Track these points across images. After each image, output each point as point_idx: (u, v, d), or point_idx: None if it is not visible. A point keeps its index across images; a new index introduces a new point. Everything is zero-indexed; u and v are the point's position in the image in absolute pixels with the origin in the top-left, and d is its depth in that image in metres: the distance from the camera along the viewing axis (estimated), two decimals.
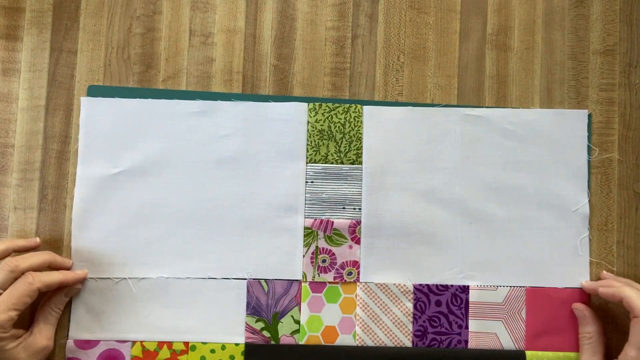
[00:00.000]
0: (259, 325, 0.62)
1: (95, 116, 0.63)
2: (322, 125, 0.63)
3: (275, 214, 0.63)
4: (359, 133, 0.63)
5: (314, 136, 0.63)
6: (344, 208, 0.63)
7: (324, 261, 0.62)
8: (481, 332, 0.62)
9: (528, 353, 0.62)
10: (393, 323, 0.62)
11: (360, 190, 0.63)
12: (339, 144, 0.63)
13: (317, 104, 0.63)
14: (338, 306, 0.62)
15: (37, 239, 0.61)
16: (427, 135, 0.63)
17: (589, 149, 0.64)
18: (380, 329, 0.62)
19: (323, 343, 0.62)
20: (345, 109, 0.63)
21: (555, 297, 0.62)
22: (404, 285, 0.62)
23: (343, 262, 0.62)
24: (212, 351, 0.61)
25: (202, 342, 0.62)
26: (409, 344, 0.62)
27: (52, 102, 0.63)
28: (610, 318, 0.62)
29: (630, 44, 0.65)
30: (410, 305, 0.62)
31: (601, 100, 0.65)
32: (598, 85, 0.65)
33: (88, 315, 0.61)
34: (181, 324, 0.62)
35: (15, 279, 0.55)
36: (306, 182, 0.63)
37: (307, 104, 0.63)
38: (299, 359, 0.61)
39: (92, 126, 0.63)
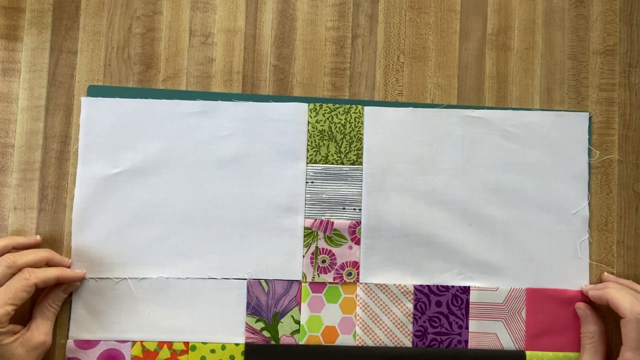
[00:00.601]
0: (259, 325, 0.62)
1: (96, 116, 0.63)
2: (322, 125, 0.63)
3: (275, 214, 0.63)
4: (360, 134, 0.63)
5: (314, 136, 0.63)
6: (344, 208, 0.63)
7: (323, 261, 0.62)
8: (481, 332, 0.62)
9: (528, 353, 0.62)
10: (393, 323, 0.62)
11: (360, 190, 0.63)
12: (340, 145, 0.63)
13: (317, 104, 0.63)
14: (338, 306, 0.62)
15: (38, 237, 0.61)
16: (427, 136, 0.63)
17: (590, 152, 0.64)
18: (381, 329, 0.62)
19: (323, 343, 0.62)
20: (346, 110, 0.63)
21: (555, 298, 0.63)
22: (404, 285, 0.62)
23: (343, 263, 0.62)
24: (212, 351, 0.61)
25: (202, 342, 0.62)
26: (409, 344, 0.62)
27: (52, 102, 0.63)
28: (612, 318, 0.62)
29: (630, 44, 0.65)
30: (410, 306, 0.62)
31: (601, 101, 0.65)
32: (598, 85, 0.65)
33: (88, 315, 0.61)
34: (181, 324, 0.62)
35: (13, 274, 0.55)
36: (306, 182, 0.63)
37: (307, 104, 0.63)
38: (299, 359, 0.61)
39: (92, 126, 0.63)
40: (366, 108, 0.63)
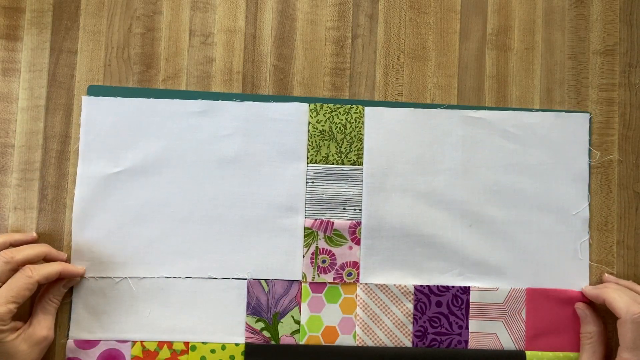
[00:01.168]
0: (259, 325, 0.62)
1: (96, 115, 0.63)
2: (323, 125, 0.63)
3: (275, 214, 0.63)
4: (360, 134, 0.63)
5: (315, 137, 0.63)
6: (344, 209, 0.63)
7: (323, 262, 0.62)
8: (481, 332, 0.62)
9: (528, 353, 0.62)
10: (393, 323, 0.62)
11: (360, 191, 0.63)
12: (340, 145, 0.63)
13: (318, 104, 0.63)
14: (338, 306, 0.62)
15: (34, 234, 0.61)
16: (428, 136, 0.63)
17: (590, 152, 0.64)
18: (381, 329, 0.62)
19: (323, 343, 0.62)
20: (347, 110, 0.63)
21: (555, 298, 0.63)
22: (405, 286, 0.62)
23: (343, 263, 0.62)
24: (213, 351, 0.61)
25: (203, 342, 0.62)
26: (409, 345, 0.62)
27: (52, 102, 0.63)
28: (612, 318, 0.62)
29: (630, 44, 0.65)
30: (410, 306, 0.62)
31: (601, 100, 0.65)
32: (598, 85, 0.65)
33: (88, 315, 0.61)
34: (181, 324, 0.62)
35: (11, 270, 0.55)
36: (307, 182, 0.63)
37: (308, 104, 0.63)
38: (299, 359, 0.61)
39: (93, 125, 0.63)
40: (367, 108, 0.63)
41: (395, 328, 0.62)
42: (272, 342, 0.62)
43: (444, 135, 0.63)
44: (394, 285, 0.62)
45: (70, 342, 0.61)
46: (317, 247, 0.62)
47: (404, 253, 0.63)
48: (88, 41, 0.64)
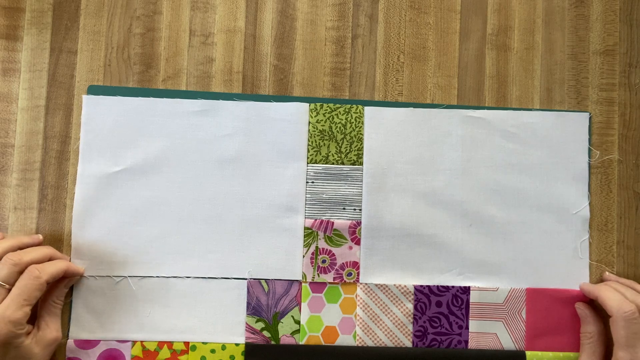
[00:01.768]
0: (259, 325, 0.62)
1: (97, 114, 0.63)
2: (323, 125, 0.63)
3: (275, 214, 0.63)
4: (360, 134, 0.63)
5: (315, 136, 0.63)
6: (344, 209, 0.63)
7: (323, 261, 0.62)
8: (481, 332, 0.62)
9: (528, 353, 0.62)
10: (393, 323, 0.62)
11: (360, 191, 0.63)
12: (340, 145, 0.63)
13: (318, 104, 0.63)
14: (338, 306, 0.62)
15: (40, 236, 0.61)
16: (428, 136, 0.63)
17: (590, 152, 0.64)
18: (381, 329, 0.62)
19: (323, 343, 0.62)
20: (347, 110, 0.63)
21: (555, 298, 0.63)
22: (405, 286, 0.62)
23: (343, 263, 0.62)
24: (213, 351, 0.61)
25: (203, 342, 0.62)
26: (409, 344, 0.62)
27: (52, 102, 0.63)
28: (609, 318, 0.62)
29: (630, 44, 0.65)
30: (410, 306, 0.62)
31: (601, 100, 0.65)
32: (598, 85, 0.65)
33: (88, 315, 0.61)
34: (181, 323, 0.62)
35: (19, 272, 0.55)
36: (307, 182, 0.63)
37: (308, 104, 0.63)
38: (299, 359, 0.61)
39: (93, 124, 0.63)
40: (366, 108, 0.63)
41: (395, 328, 0.62)
42: (272, 342, 0.62)
43: (443, 135, 0.63)
44: (394, 285, 0.62)
45: (70, 342, 0.61)
46: (317, 247, 0.62)
47: (404, 253, 0.63)
48: (88, 41, 0.64)
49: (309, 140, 0.63)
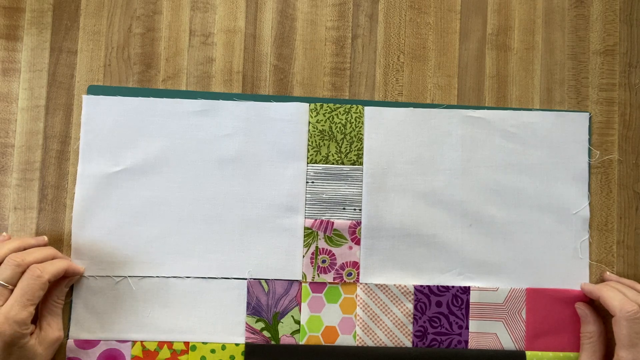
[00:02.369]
0: (259, 325, 0.62)
1: (97, 114, 0.63)
2: (323, 125, 0.63)
3: (275, 214, 0.63)
4: (360, 134, 0.63)
5: (315, 136, 0.63)
6: (344, 209, 0.63)
7: (323, 261, 0.62)
8: (481, 332, 0.62)
9: (528, 353, 0.62)
10: (393, 323, 0.62)
11: (360, 191, 0.63)
12: (340, 145, 0.63)
13: (318, 104, 0.63)
14: (338, 306, 0.62)
15: (45, 238, 0.61)
16: (428, 136, 0.63)
17: (590, 152, 0.64)
18: (381, 329, 0.62)
19: (323, 343, 0.62)
20: (347, 110, 0.63)
21: (555, 298, 0.63)
22: (405, 286, 0.62)
23: (343, 263, 0.62)
24: (213, 351, 0.61)
25: (203, 342, 0.62)
26: (409, 345, 0.62)
27: (52, 102, 0.63)
28: (612, 318, 0.62)
29: (630, 44, 0.65)
30: (410, 306, 0.62)
31: (601, 100, 0.65)
32: (598, 85, 0.65)
33: (88, 315, 0.61)
34: (181, 323, 0.62)
35: (22, 273, 0.55)
36: (307, 182, 0.63)
37: (308, 104, 0.63)
38: (299, 359, 0.61)
39: (93, 124, 0.63)
40: (366, 108, 0.63)
41: (395, 328, 0.62)
42: (272, 342, 0.62)
43: (443, 135, 0.63)
44: (394, 285, 0.62)
45: (70, 342, 0.61)
46: (317, 247, 0.62)
47: (404, 253, 0.63)
48: (88, 41, 0.64)
49: (309, 140, 0.63)
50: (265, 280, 0.62)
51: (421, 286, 0.63)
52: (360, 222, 0.63)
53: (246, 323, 0.62)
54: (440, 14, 0.65)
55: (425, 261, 0.63)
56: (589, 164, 0.64)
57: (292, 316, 0.62)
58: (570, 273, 0.63)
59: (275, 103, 0.63)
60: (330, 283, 0.62)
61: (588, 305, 0.62)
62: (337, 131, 0.63)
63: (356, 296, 0.62)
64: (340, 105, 0.63)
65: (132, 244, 0.62)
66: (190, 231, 0.62)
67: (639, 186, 0.64)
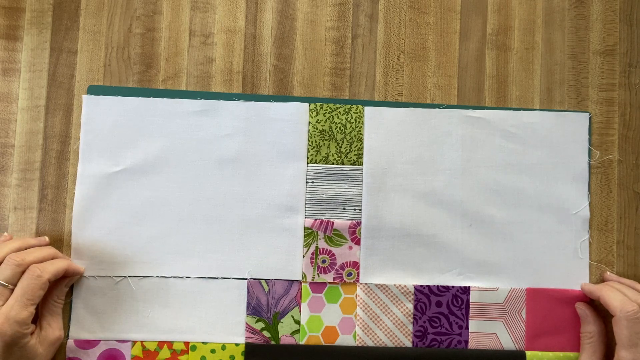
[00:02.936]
0: (259, 325, 0.62)
1: (97, 114, 0.63)
2: (323, 125, 0.63)
3: (275, 214, 0.63)
4: (360, 134, 0.63)
5: (315, 136, 0.63)
6: (344, 209, 0.63)
7: (323, 261, 0.62)
8: (481, 332, 0.62)
9: (528, 353, 0.62)
10: (393, 323, 0.62)
11: (360, 191, 0.63)
12: (340, 145, 0.63)
13: (318, 104, 0.63)
14: (338, 306, 0.62)
15: (46, 238, 0.61)
16: (428, 136, 0.63)
17: (590, 152, 0.64)
18: (381, 329, 0.62)
19: (323, 343, 0.62)
20: (347, 110, 0.63)
21: (555, 298, 0.63)
22: (405, 286, 0.62)
23: (343, 263, 0.62)
24: (213, 351, 0.61)
25: (203, 342, 0.62)
26: (409, 344, 0.62)
27: (52, 102, 0.63)
28: (612, 318, 0.62)
29: (630, 44, 0.65)
30: (410, 306, 0.62)
31: (601, 100, 0.65)
32: (598, 85, 0.65)
33: (88, 315, 0.61)
34: (181, 323, 0.62)
35: (22, 273, 0.55)
36: (307, 182, 0.63)
37: (308, 104, 0.63)
38: (299, 359, 0.61)
39: (93, 124, 0.63)
40: (366, 108, 0.63)
41: (395, 328, 0.62)
42: (272, 342, 0.62)
43: (443, 135, 0.63)
44: (394, 285, 0.62)
45: (70, 342, 0.61)
46: (317, 247, 0.62)
47: (404, 253, 0.63)
48: (88, 41, 0.64)
49: (309, 140, 0.63)
50: (265, 280, 0.62)
51: (421, 286, 0.63)
52: (360, 222, 0.63)
53: (246, 323, 0.62)
54: (440, 14, 0.65)
55: (425, 261, 0.63)
56: (589, 164, 0.64)
57: (292, 316, 0.62)
58: (570, 273, 0.63)
59: (275, 103, 0.63)
60: (330, 283, 0.62)
61: (588, 305, 0.62)
62: (337, 131, 0.63)
63: (356, 296, 0.62)
64: (340, 105, 0.63)
65: (132, 244, 0.62)
66: (190, 231, 0.62)
67: (639, 186, 0.64)
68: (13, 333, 0.53)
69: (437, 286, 0.63)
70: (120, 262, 0.62)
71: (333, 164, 0.63)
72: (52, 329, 0.59)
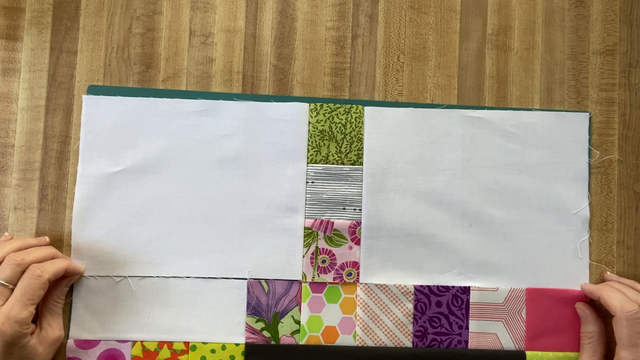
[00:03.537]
0: (259, 325, 0.62)
1: (97, 114, 0.63)
2: (323, 125, 0.63)
3: (275, 214, 0.63)
4: (360, 134, 0.63)
5: (315, 136, 0.63)
6: (344, 209, 0.63)
7: (323, 261, 0.62)
8: (481, 332, 0.62)
9: (528, 353, 0.62)
10: (393, 323, 0.62)
11: (360, 191, 0.63)
12: (340, 145, 0.63)
13: (318, 104, 0.63)
14: (338, 306, 0.62)
15: (47, 238, 0.61)
16: (428, 136, 0.63)
17: (590, 152, 0.64)
18: (381, 330, 0.62)
19: (323, 343, 0.62)
20: (347, 110, 0.63)
21: (555, 298, 0.63)
22: (405, 286, 0.62)
23: (343, 263, 0.62)
24: (213, 351, 0.61)
25: (203, 342, 0.62)
26: (409, 345, 0.62)
27: (52, 102, 0.63)
28: (612, 318, 0.62)
29: (630, 44, 0.65)
30: (410, 306, 0.62)
31: (601, 100, 0.65)
32: (598, 85, 0.65)
33: (88, 315, 0.61)
34: (181, 323, 0.62)
35: (22, 272, 0.55)
36: (307, 182, 0.63)
37: (308, 104, 0.63)
38: (299, 359, 0.61)
39: (93, 124, 0.63)
40: (366, 108, 0.63)
41: (395, 328, 0.62)
42: (272, 342, 0.62)
43: (443, 135, 0.63)
44: (394, 285, 0.62)
45: (70, 342, 0.61)
46: (317, 247, 0.62)
47: (404, 253, 0.63)
48: (88, 41, 0.64)
49: (309, 140, 0.63)
50: (265, 280, 0.62)
51: (421, 286, 0.63)
52: (360, 222, 0.63)
53: (246, 323, 0.62)
54: (440, 14, 0.65)
55: (425, 261, 0.63)
56: (589, 164, 0.64)
57: (292, 316, 0.62)
58: (570, 273, 0.63)
59: (275, 103, 0.63)
60: (330, 283, 0.62)
61: (588, 305, 0.62)
62: (337, 131, 0.63)
63: (356, 296, 0.62)
64: (340, 105, 0.63)
65: (132, 244, 0.62)
66: (190, 231, 0.62)
67: (639, 186, 0.64)
68: (13, 333, 0.53)
69: (437, 286, 0.63)
70: (120, 262, 0.62)
71: (333, 164, 0.63)
72: (52, 328, 0.59)
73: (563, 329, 0.62)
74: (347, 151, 0.63)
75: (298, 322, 0.62)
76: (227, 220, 0.63)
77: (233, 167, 0.63)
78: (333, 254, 0.62)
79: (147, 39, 0.64)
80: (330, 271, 0.62)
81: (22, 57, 0.63)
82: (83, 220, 0.62)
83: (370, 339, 0.62)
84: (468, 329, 0.62)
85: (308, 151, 0.63)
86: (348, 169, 0.63)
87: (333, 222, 0.62)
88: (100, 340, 0.61)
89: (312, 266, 0.62)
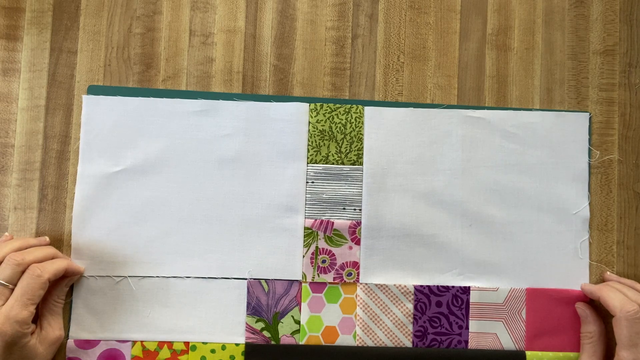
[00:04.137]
0: (259, 325, 0.62)
1: (97, 114, 0.63)
2: (323, 125, 0.63)
3: (275, 214, 0.63)
4: (360, 134, 0.63)
5: (315, 136, 0.63)
6: (344, 209, 0.63)
7: (323, 262, 0.62)
8: (481, 332, 0.62)
9: (528, 353, 0.62)
10: (393, 323, 0.62)
11: (360, 191, 0.63)
12: (340, 145, 0.63)
13: (318, 104, 0.63)
14: (338, 306, 0.62)
15: (47, 238, 0.61)
16: (428, 136, 0.63)
17: (590, 152, 0.64)
18: (381, 330, 0.62)
19: (323, 343, 0.62)
20: (347, 110, 0.63)
21: (555, 298, 0.63)
22: (405, 286, 0.62)
23: (343, 263, 0.62)
24: (213, 351, 0.61)
25: (203, 342, 0.62)
26: (409, 345, 0.62)
27: (52, 102, 0.63)
28: (612, 318, 0.62)
29: (630, 44, 0.65)
30: (410, 306, 0.62)
31: (601, 100, 0.65)
32: (598, 85, 0.65)
33: (88, 315, 0.61)
34: (181, 323, 0.62)
35: (22, 272, 0.55)
36: (307, 182, 0.63)
37: (308, 104, 0.63)
38: (299, 359, 0.61)
39: (93, 124, 0.63)
40: (366, 108, 0.63)
41: (395, 328, 0.62)
42: (272, 342, 0.62)
43: (443, 135, 0.63)
44: (394, 285, 0.62)
45: (70, 342, 0.61)
46: (317, 247, 0.62)
47: (404, 253, 0.63)
48: (88, 41, 0.64)
49: (309, 140, 0.63)
50: (265, 280, 0.62)
51: (421, 286, 0.63)
52: (360, 222, 0.63)
53: (246, 323, 0.62)
54: (440, 14, 0.65)
55: (425, 261, 0.63)
56: (589, 164, 0.64)
57: (292, 316, 0.62)
58: (570, 273, 0.63)
59: (275, 103, 0.63)
60: (330, 283, 0.62)
61: (588, 305, 0.62)
62: (337, 131, 0.63)
63: (356, 296, 0.62)
64: (340, 105, 0.63)
65: (132, 244, 0.62)
66: (190, 231, 0.62)
67: (639, 186, 0.64)
68: (13, 333, 0.53)
69: (437, 286, 0.63)
70: (120, 262, 0.62)
71: (333, 164, 0.63)
72: (53, 328, 0.59)
73: (563, 329, 0.62)
74: (347, 151, 0.63)
75: (298, 322, 0.62)
76: (227, 220, 0.63)
77: (233, 167, 0.63)
78: (333, 254, 0.62)
79: (147, 39, 0.64)
80: (330, 271, 0.62)
81: (22, 57, 0.63)
82: (83, 220, 0.62)
83: (370, 339, 0.62)
84: (468, 329, 0.62)
85: (308, 151, 0.63)
86: (348, 169, 0.63)
87: (333, 222, 0.62)
88: (100, 340, 0.61)
89: (312, 266, 0.62)
